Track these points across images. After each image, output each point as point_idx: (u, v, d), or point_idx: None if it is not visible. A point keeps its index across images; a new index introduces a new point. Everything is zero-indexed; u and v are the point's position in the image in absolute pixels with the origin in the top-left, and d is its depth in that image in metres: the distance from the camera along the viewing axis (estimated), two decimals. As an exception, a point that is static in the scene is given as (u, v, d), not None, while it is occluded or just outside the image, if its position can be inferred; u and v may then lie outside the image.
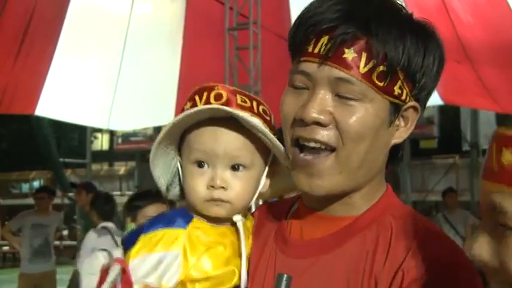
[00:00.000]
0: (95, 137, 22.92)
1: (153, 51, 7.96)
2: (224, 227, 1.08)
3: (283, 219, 1.07)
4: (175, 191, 1.15)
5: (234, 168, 1.05)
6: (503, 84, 7.08)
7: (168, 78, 7.94)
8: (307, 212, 1.02)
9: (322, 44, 0.91)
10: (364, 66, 0.89)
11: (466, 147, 15.50)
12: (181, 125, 1.05)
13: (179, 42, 7.89)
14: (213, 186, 1.04)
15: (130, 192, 20.75)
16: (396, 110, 0.94)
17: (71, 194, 14.05)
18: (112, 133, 22.04)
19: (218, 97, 1.04)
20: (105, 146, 24.48)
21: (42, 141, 15.49)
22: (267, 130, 1.03)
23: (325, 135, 0.92)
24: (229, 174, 1.05)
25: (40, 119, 12.92)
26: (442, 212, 7.84)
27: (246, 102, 1.05)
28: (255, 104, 1.06)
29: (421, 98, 0.97)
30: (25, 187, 24.44)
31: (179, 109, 1.08)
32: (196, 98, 1.05)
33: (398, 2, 0.97)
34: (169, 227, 1.04)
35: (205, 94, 1.05)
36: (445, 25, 6.58)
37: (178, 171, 1.11)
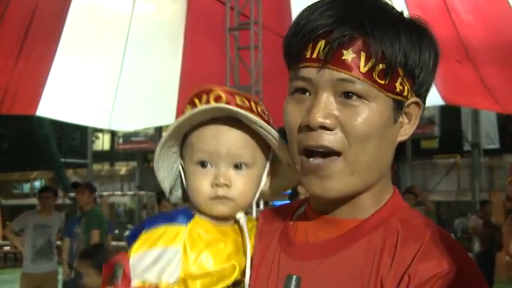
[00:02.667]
0: (96, 137, 22.94)
1: (155, 51, 7.98)
2: (226, 226, 1.09)
3: (289, 221, 1.07)
4: (177, 194, 1.17)
5: (237, 166, 1.07)
6: (504, 84, 7.08)
7: (170, 78, 7.95)
8: (314, 215, 1.02)
9: (319, 48, 0.91)
10: (365, 66, 0.90)
11: (467, 147, 15.52)
12: (184, 126, 1.07)
13: (180, 42, 7.90)
14: (217, 185, 1.05)
15: (131, 193, 20.78)
16: (399, 106, 0.94)
17: (72, 194, 14.07)
18: (113, 133, 22.07)
19: (217, 99, 1.06)
20: (106, 146, 24.50)
21: (43, 142, 15.51)
22: (269, 126, 1.05)
23: (331, 140, 0.92)
24: (233, 173, 1.07)
25: (41, 120, 12.94)
26: None
27: (244, 102, 1.07)
28: (253, 104, 1.08)
29: (422, 93, 0.98)
30: (26, 187, 24.44)
31: (180, 109, 1.09)
32: (196, 100, 1.07)
33: (390, 2, 0.99)
34: (171, 223, 1.05)
35: (204, 96, 1.07)
36: (446, 25, 6.59)
37: (180, 174, 1.12)
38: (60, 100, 7.83)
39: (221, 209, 1.07)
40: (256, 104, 1.09)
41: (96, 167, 21.80)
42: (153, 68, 7.97)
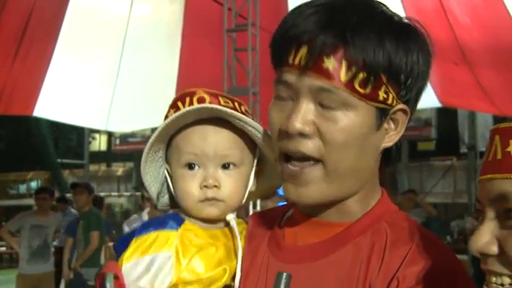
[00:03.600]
0: (93, 138, 22.91)
1: (152, 52, 7.97)
2: (216, 230, 1.08)
3: (278, 224, 1.07)
4: (163, 200, 1.16)
5: (225, 167, 1.06)
6: (501, 87, 7.10)
7: (167, 79, 7.95)
8: (302, 218, 1.01)
9: (302, 54, 0.90)
10: (345, 75, 0.88)
11: (463, 149, 15.52)
12: (169, 129, 1.06)
13: (178, 43, 7.90)
14: (206, 186, 1.05)
15: (128, 193, 20.75)
16: (383, 114, 0.93)
17: (69, 195, 14.04)
18: (110, 134, 22.02)
19: (201, 100, 1.05)
20: (103, 146, 24.45)
21: (40, 142, 15.51)
22: (254, 122, 1.05)
23: (309, 147, 0.91)
24: (221, 173, 1.06)
25: (38, 120, 12.94)
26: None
27: (228, 103, 1.07)
28: (237, 104, 1.08)
29: (411, 98, 0.95)
30: (22, 188, 24.37)
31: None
32: (179, 104, 1.07)
33: (382, 3, 0.96)
34: (161, 229, 1.04)
35: (187, 99, 1.06)
36: (443, 27, 6.60)
37: (167, 180, 1.11)
38: (57, 101, 7.82)
39: (211, 211, 1.06)
40: (239, 104, 1.08)
41: (92, 167, 21.75)
42: (151, 69, 7.96)
